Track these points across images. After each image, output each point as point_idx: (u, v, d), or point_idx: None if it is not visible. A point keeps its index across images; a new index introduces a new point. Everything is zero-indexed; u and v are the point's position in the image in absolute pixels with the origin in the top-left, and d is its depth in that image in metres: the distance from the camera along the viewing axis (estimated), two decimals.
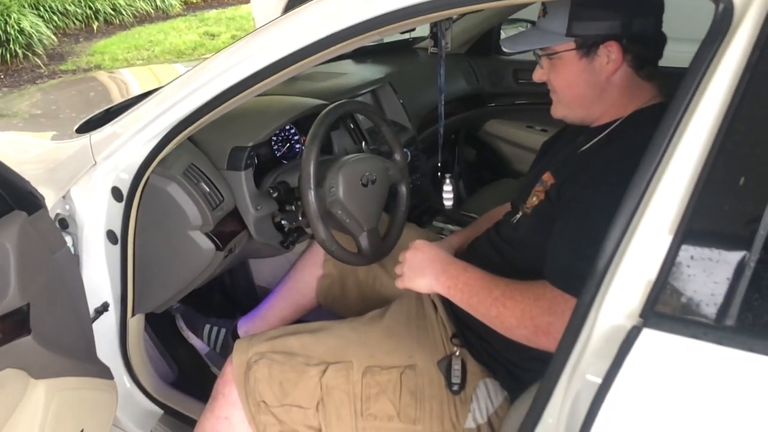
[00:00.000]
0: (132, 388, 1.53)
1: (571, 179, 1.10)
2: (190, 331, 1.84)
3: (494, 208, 1.53)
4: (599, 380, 0.78)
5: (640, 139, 1.03)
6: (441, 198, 1.84)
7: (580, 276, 0.92)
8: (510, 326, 1.03)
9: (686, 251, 0.73)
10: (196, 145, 1.39)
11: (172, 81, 1.21)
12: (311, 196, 1.30)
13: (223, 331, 1.80)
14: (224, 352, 1.77)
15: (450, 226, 1.78)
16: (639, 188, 0.79)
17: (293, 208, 1.48)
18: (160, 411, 1.54)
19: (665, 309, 0.74)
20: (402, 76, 2.11)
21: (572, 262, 1.00)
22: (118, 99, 1.78)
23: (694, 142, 0.74)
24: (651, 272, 0.76)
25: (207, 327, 1.83)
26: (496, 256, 1.25)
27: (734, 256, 0.71)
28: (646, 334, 0.74)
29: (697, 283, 0.72)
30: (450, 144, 2.31)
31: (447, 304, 1.29)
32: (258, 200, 1.43)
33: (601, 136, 1.16)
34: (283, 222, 1.50)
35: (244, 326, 1.76)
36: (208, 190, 1.32)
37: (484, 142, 2.41)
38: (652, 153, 0.78)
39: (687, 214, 0.73)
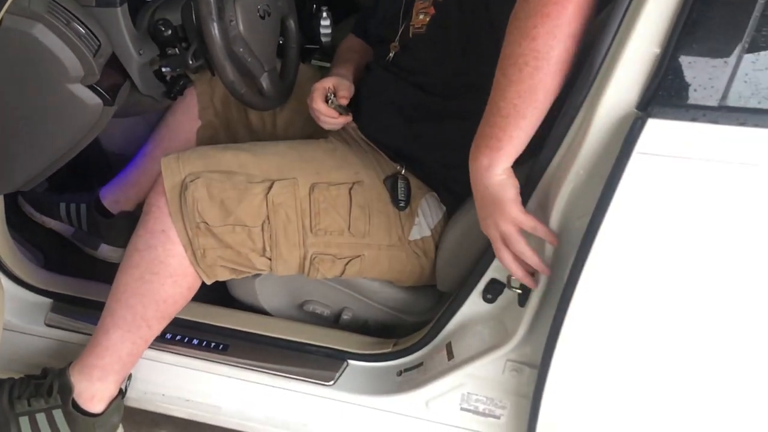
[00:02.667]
0: (7, 282, 1.30)
1: None
2: (45, 215, 1.59)
3: (345, 43, 1.48)
4: (600, 176, 0.84)
5: None
6: (314, 34, 1.72)
7: None
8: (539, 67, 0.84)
9: (685, 40, 0.77)
10: None
11: None
12: (215, 30, 1.13)
13: (83, 206, 1.58)
14: (94, 228, 1.57)
15: (328, 64, 1.68)
16: None
17: (176, 51, 1.27)
18: (48, 300, 1.34)
19: (665, 98, 0.79)
20: None
21: None
22: None
23: None
24: (648, 65, 0.80)
25: (62, 206, 1.59)
26: (402, 85, 1.22)
27: (731, 41, 0.77)
28: (651, 123, 0.79)
29: (696, 69, 0.78)
30: None
31: (370, 136, 1.27)
32: (139, 43, 1.20)
33: None
34: (164, 69, 1.29)
35: (109, 196, 1.56)
36: (83, 31, 1.07)
37: None
38: None
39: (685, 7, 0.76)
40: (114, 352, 1.14)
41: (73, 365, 1.17)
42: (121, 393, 1.20)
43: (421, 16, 1.17)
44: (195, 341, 1.25)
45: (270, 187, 1.11)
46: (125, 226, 1.55)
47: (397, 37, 1.26)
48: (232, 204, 1.10)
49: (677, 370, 0.92)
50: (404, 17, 1.25)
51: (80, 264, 1.53)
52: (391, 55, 1.26)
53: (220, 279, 1.17)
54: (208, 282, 1.16)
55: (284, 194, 1.11)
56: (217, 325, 1.27)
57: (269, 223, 1.11)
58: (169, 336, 1.25)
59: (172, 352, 1.24)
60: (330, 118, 1.23)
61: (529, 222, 0.90)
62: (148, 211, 1.14)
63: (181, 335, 1.25)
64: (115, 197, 1.56)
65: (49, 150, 1.17)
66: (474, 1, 1.10)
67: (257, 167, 1.14)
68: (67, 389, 1.14)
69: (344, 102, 1.23)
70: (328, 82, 1.26)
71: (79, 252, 1.59)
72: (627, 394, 0.97)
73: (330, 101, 1.24)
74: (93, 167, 1.74)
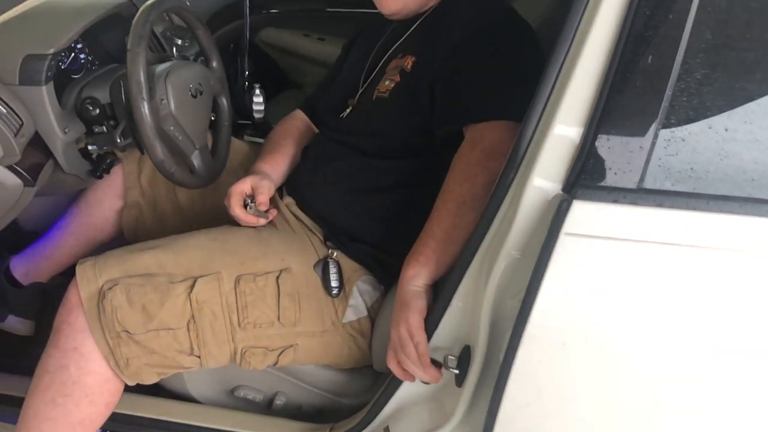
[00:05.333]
0: None
1: (438, 44, 1.16)
2: None
3: (279, 126, 1.46)
4: (530, 256, 0.86)
5: (475, 3, 1.20)
6: (247, 110, 1.73)
7: (511, 98, 1.03)
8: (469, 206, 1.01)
9: (603, 128, 0.82)
10: None
11: None
12: (145, 109, 1.11)
13: None
14: (1, 299, 1.47)
15: (260, 140, 1.68)
16: (550, 78, 0.85)
17: (104, 129, 1.25)
18: None
19: (588, 180, 0.83)
20: None
21: (502, 91, 1.07)
22: None
23: (603, 30, 0.81)
24: (571, 150, 0.84)
25: None
26: (352, 154, 1.24)
27: (644, 128, 0.82)
28: (576, 205, 0.82)
29: (615, 154, 0.82)
30: (231, 53, 2.15)
31: (310, 209, 1.25)
32: (64, 121, 1.16)
33: (427, 14, 1.25)
34: (90, 147, 1.26)
35: (21, 267, 1.49)
36: (4, 111, 1.03)
37: (260, 52, 2.29)
38: (561, 43, 0.84)
39: (603, 91, 0.81)
40: None
41: None
42: None
43: (387, 82, 1.22)
44: None
45: (193, 285, 1.07)
46: (35, 297, 1.49)
47: (357, 96, 1.30)
48: (155, 308, 1.05)
49: None
50: (364, 81, 1.31)
51: None
52: (345, 112, 1.29)
53: (146, 383, 1.11)
54: (132, 384, 1.10)
55: (208, 291, 1.08)
56: (138, 416, 1.20)
57: (195, 322, 1.07)
58: None
59: None
60: (248, 221, 1.21)
61: (417, 335, 0.97)
62: (58, 329, 1.07)
63: None
64: (26, 269, 1.49)
65: None
66: (433, 78, 1.15)
67: (178, 265, 1.10)
68: None
69: (262, 207, 1.21)
70: (246, 185, 1.23)
71: None
72: None
73: (248, 206, 1.21)
74: (3, 235, 1.65)
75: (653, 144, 0.81)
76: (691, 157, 0.81)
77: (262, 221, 1.22)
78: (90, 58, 1.34)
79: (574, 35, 0.83)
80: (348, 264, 1.19)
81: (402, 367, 0.99)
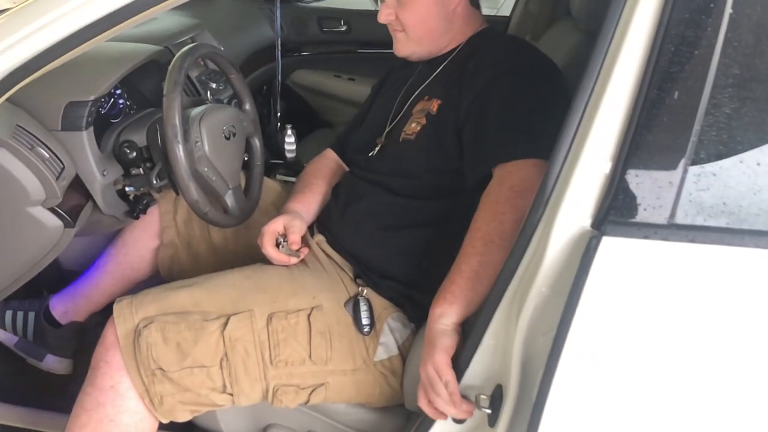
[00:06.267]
0: None
1: (463, 87, 1.18)
2: None
3: (311, 165, 1.49)
4: (560, 293, 0.85)
5: (500, 44, 1.25)
6: (279, 150, 1.77)
7: (536, 138, 1.05)
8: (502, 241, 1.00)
9: (631, 163, 0.81)
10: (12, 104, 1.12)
11: None
12: (180, 151, 1.15)
13: (31, 315, 1.53)
14: (40, 339, 1.52)
15: (292, 179, 1.72)
16: (577, 115, 0.85)
17: (141, 171, 1.29)
18: None
19: (618, 217, 0.82)
20: (208, 23, 1.94)
21: (525, 131, 1.08)
22: None
23: (628, 66, 0.82)
24: (600, 186, 0.84)
25: (8, 314, 1.54)
26: (381, 192, 1.25)
27: (673, 163, 0.81)
28: (605, 241, 0.81)
29: (644, 189, 0.82)
30: (264, 95, 2.21)
31: (340, 247, 1.26)
32: (103, 164, 1.21)
33: (452, 56, 1.28)
34: (127, 189, 1.30)
35: (60, 306, 1.53)
36: (47, 155, 1.08)
37: (292, 93, 2.35)
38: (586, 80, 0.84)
39: (631, 127, 0.81)
40: None
41: None
42: None
43: (414, 125, 1.24)
44: None
45: (226, 323, 1.09)
46: (73, 336, 1.53)
47: (384, 137, 1.32)
48: (189, 345, 1.07)
49: None
50: (391, 121, 1.33)
51: (24, 385, 1.45)
52: (374, 152, 1.31)
53: (180, 420, 1.12)
54: (165, 422, 1.11)
55: (241, 328, 1.09)
56: None
57: (227, 360, 1.08)
58: None
59: None
60: (280, 260, 1.23)
61: (445, 374, 0.96)
62: (95, 367, 1.10)
63: None
64: (65, 308, 1.53)
65: (6, 272, 1.15)
66: (458, 121, 1.17)
67: (212, 303, 1.12)
68: None
69: (294, 246, 1.23)
70: (278, 225, 1.25)
71: (24, 370, 1.51)
72: None
73: (281, 245, 1.23)
74: (44, 275, 1.70)
75: (683, 179, 0.80)
76: (723, 192, 0.80)
77: (294, 260, 1.24)
78: (128, 103, 1.40)
79: (599, 72, 0.83)
80: (378, 301, 1.19)
81: (433, 406, 0.98)
